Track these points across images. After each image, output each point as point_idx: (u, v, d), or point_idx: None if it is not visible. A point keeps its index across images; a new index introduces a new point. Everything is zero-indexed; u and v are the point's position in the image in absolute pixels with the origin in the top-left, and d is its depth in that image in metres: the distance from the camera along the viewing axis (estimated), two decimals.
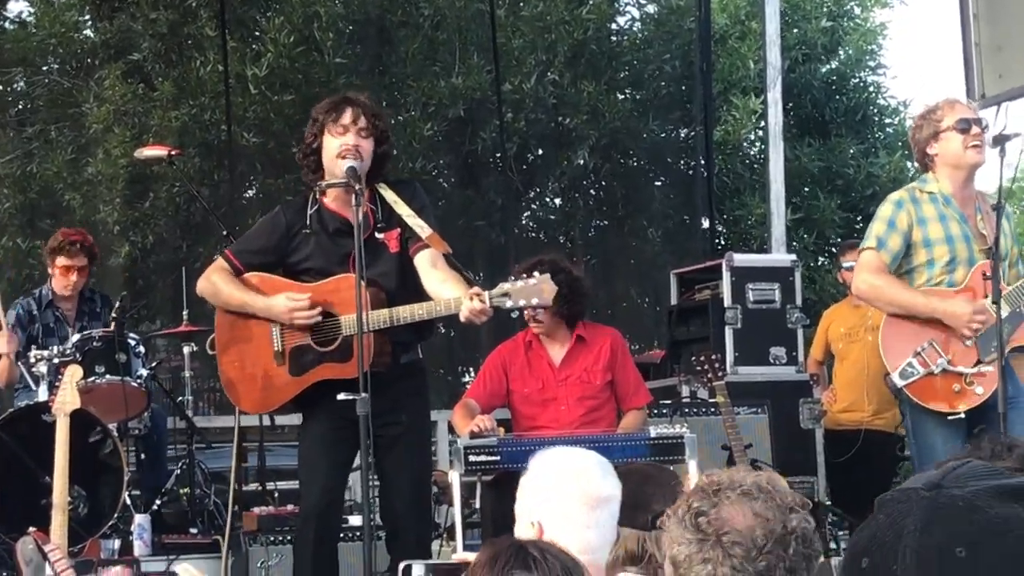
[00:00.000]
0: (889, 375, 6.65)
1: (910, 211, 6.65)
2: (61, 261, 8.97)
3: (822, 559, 6.83)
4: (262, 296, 6.37)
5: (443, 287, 6.13)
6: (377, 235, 6.35)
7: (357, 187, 6.01)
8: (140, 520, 8.32)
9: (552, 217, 18.67)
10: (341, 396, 5.90)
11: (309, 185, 6.49)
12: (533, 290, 5.96)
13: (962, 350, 6.56)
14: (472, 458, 6.82)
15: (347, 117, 6.30)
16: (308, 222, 6.43)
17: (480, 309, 5.90)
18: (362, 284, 5.93)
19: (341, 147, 6.26)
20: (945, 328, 6.58)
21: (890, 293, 6.64)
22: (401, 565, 3.61)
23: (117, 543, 8.23)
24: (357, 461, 6.52)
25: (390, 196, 6.33)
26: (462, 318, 5.96)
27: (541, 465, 4.14)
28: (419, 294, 6.24)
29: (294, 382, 6.36)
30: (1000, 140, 6.48)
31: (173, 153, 9.68)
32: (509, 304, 5.99)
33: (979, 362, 6.52)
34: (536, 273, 6.05)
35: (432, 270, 6.24)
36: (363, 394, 5.71)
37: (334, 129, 6.30)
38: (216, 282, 6.46)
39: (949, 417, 6.51)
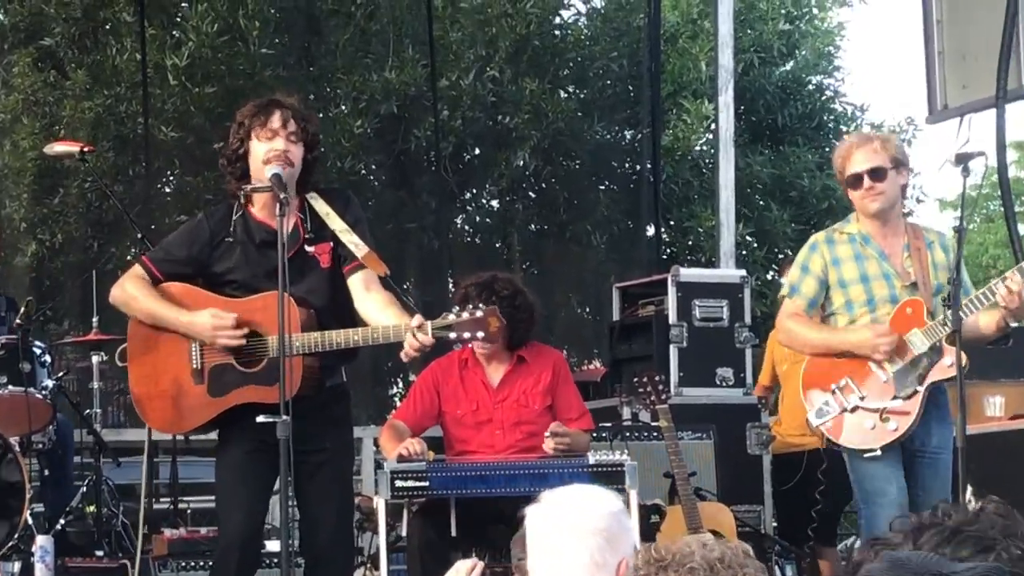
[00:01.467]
0: (807, 415, 6.88)
1: (824, 253, 6.88)
2: None
3: None
4: (183, 310, 6.28)
5: (382, 314, 6.09)
6: (307, 248, 6.26)
7: (283, 195, 5.94)
8: (42, 541, 8.22)
9: (489, 221, 18.69)
10: (260, 418, 5.84)
11: (232, 193, 6.40)
12: (478, 323, 5.93)
13: (879, 386, 6.72)
14: (399, 483, 6.80)
15: (276, 121, 6.20)
16: (232, 230, 6.35)
17: (421, 344, 5.89)
18: (288, 300, 5.87)
19: (268, 152, 6.18)
20: (862, 364, 6.78)
21: (803, 335, 6.91)
22: None
23: (17, 566, 8.14)
24: (277, 485, 6.48)
25: (322, 208, 6.24)
26: (403, 356, 5.96)
27: (535, 510, 4.16)
28: (350, 314, 6.20)
29: (213, 403, 6.28)
30: (963, 159, 6.63)
31: (86, 149, 9.59)
32: (452, 336, 5.98)
33: (895, 397, 6.69)
34: (481, 305, 6.03)
35: (367, 293, 6.18)
36: (284, 417, 5.67)
37: (262, 134, 6.19)
38: (131, 291, 6.35)
39: (866, 455, 6.69)
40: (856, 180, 6.78)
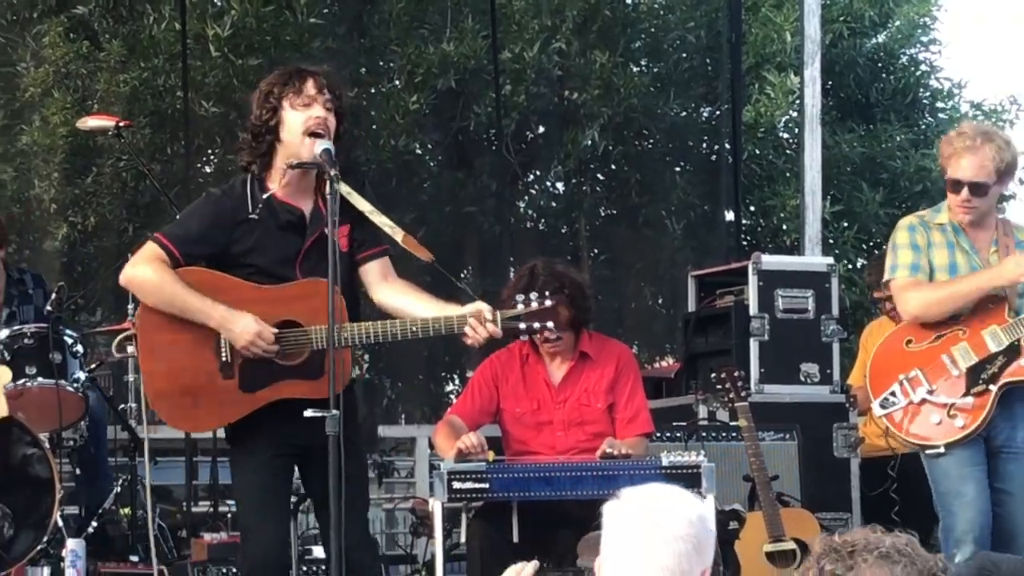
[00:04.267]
0: (871, 404, 7.11)
1: (923, 235, 7.07)
2: None
3: None
4: (219, 304, 6.15)
5: (409, 301, 6.24)
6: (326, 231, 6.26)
7: (333, 172, 5.97)
8: (73, 545, 8.29)
9: (554, 205, 18.70)
10: (309, 412, 5.84)
11: (246, 168, 6.33)
12: (548, 313, 6.21)
13: (950, 380, 6.92)
14: (457, 485, 6.83)
15: (311, 87, 6.19)
16: (252, 208, 6.27)
17: (490, 334, 6.08)
18: (336, 290, 5.89)
19: (309, 121, 6.18)
20: (933, 357, 6.98)
21: (937, 294, 7.00)
22: None
23: (47, 571, 8.21)
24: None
25: (343, 188, 6.20)
26: (470, 341, 6.10)
27: (615, 503, 4.10)
28: (357, 302, 6.25)
29: (246, 399, 6.18)
30: None
31: (122, 124, 9.67)
32: (522, 327, 6.22)
33: (965, 394, 6.86)
34: (548, 293, 6.25)
35: (385, 282, 6.30)
36: (333, 411, 5.68)
37: (297, 101, 6.18)
38: (154, 276, 6.16)
39: (928, 452, 6.91)
40: (956, 186, 6.95)
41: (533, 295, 6.21)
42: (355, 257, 6.27)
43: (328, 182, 5.94)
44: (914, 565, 2.69)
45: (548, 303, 6.17)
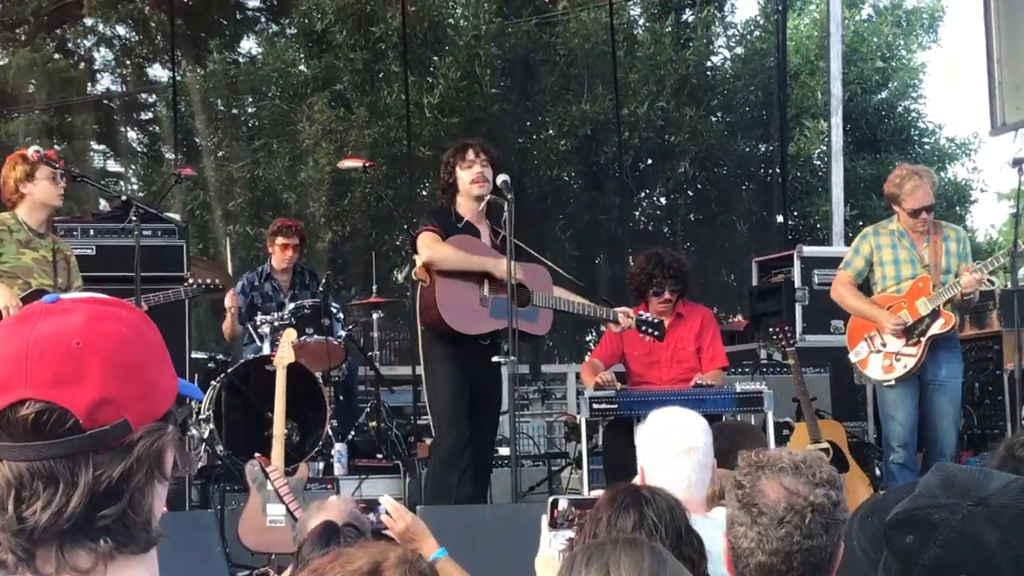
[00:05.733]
0: (848, 354, 7.29)
1: (871, 241, 7.32)
2: (280, 240, 9.09)
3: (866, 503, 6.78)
4: (486, 258, 6.52)
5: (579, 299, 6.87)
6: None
7: (509, 196, 6.11)
8: (339, 447, 8.40)
9: (659, 213, 18.61)
10: (495, 359, 6.00)
11: (443, 206, 6.81)
12: (658, 326, 6.91)
13: (895, 337, 7.07)
14: (595, 406, 6.85)
15: (471, 154, 6.58)
16: (456, 222, 6.63)
17: (625, 327, 6.72)
18: (514, 264, 6.26)
19: (473, 175, 6.54)
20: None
21: (848, 300, 7.36)
22: (549, 499, 3.52)
23: (321, 465, 8.31)
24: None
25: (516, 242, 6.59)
26: (617, 329, 6.80)
27: (646, 423, 4.07)
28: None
29: (491, 322, 6.52)
30: (1018, 162, 6.98)
31: (367, 165, 9.75)
32: (643, 327, 6.86)
33: (906, 345, 7.03)
34: (658, 319, 6.97)
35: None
36: (511, 357, 5.78)
37: (463, 164, 6.53)
38: (449, 250, 6.52)
39: (884, 384, 7.09)
40: (916, 213, 7.05)
41: (652, 315, 6.94)
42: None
43: (507, 203, 6.11)
44: (805, 475, 2.59)
45: (658, 320, 6.91)
